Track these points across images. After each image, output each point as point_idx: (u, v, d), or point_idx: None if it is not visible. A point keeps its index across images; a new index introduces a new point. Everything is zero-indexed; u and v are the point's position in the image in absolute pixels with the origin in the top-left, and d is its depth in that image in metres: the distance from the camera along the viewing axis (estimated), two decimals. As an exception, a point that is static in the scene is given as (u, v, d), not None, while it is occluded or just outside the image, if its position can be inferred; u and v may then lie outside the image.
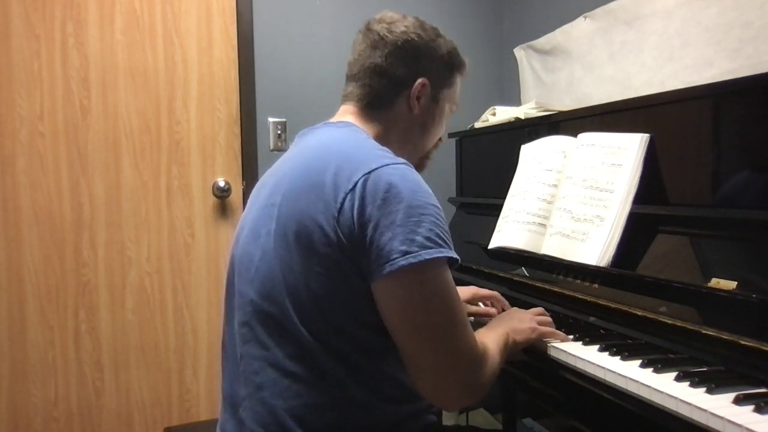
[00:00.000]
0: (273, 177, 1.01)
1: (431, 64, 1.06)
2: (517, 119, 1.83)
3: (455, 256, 0.88)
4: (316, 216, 0.88)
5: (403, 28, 1.04)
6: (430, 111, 1.08)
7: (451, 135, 2.17)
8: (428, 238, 0.85)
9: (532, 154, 1.55)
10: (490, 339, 0.99)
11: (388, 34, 1.04)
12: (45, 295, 2.01)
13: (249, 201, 1.07)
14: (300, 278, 0.89)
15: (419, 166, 1.12)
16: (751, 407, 0.77)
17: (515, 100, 2.40)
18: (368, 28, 1.06)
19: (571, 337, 1.12)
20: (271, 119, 2.27)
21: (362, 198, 0.85)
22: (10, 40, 1.95)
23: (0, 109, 1.94)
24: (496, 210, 1.60)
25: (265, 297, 0.92)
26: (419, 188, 0.88)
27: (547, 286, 1.37)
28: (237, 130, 2.23)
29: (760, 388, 0.83)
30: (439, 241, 0.86)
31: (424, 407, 1.02)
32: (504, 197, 1.59)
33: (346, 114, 1.06)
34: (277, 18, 2.27)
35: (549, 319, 1.16)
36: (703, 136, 1.16)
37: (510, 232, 1.49)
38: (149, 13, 2.09)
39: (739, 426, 0.72)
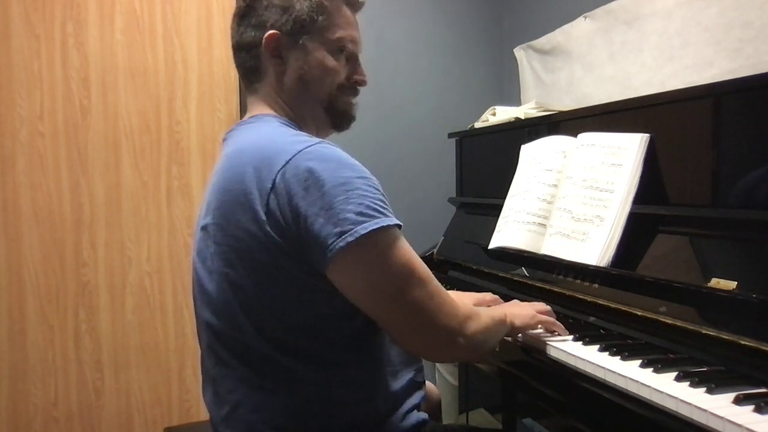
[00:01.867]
0: (207, 193, 0.99)
1: (276, 14, 0.98)
2: (517, 119, 1.83)
3: (392, 222, 0.86)
4: (248, 227, 0.86)
5: None
6: (300, 60, 0.99)
7: (451, 135, 2.17)
8: (359, 213, 0.83)
9: (532, 154, 1.55)
10: (483, 309, 1.00)
11: (236, 11, 1.02)
12: (45, 295, 2.01)
13: (196, 221, 1.04)
14: (250, 292, 0.88)
15: (338, 116, 1.05)
16: (751, 407, 0.77)
17: (515, 100, 2.40)
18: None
19: (571, 336, 1.12)
20: (271, 119, 2.26)
21: (285, 193, 0.84)
22: (10, 40, 1.95)
23: (0, 109, 1.94)
24: (496, 210, 1.60)
25: (221, 318, 0.92)
26: (339, 164, 0.86)
27: (547, 286, 1.37)
28: (237, 130, 2.22)
29: (760, 388, 0.83)
30: (372, 213, 0.84)
31: (407, 390, 1.02)
32: (504, 197, 1.59)
33: (252, 105, 1.04)
34: (277, 18, 2.27)
35: (548, 308, 1.16)
36: (703, 136, 1.16)
37: (510, 232, 1.49)
38: (149, 13, 2.09)
39: (739, 426, 0.72)
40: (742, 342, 0.90)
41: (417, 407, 1.04)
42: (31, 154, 1.98)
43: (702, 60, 1.58)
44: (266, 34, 0.98)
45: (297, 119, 1.02)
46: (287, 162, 0.85)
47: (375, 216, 0.84)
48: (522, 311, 1.11)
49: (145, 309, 2.12)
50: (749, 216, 1.02)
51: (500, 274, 1.56)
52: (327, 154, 0.87)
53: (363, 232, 0.82)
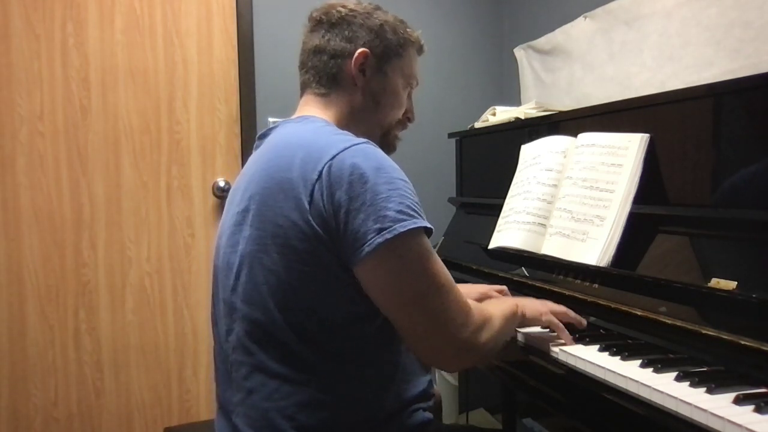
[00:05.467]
0: (243, 182, 1.01)
1: (369, 34, 1.06)
2: (517, 119, 1.83)
3: (428, 225, 0.90)
4: (289, 214, 0.89)
5: (339, 8, 1.07)
6: (380, 83, 1.08)
7: (451, 135, 2.17)
8: (399, 211, 0.86)
9: (532, 154, 1.55)
10: (494, 307, 1.02)
11: (323, 16, 1.07)
12: (45, 295, 2.01)
13: (225, 208, 1.07)
14: (282, 278, 0.90)
15: (386, 145, 1.12)
16: (751, 407, 0.77)
17: (515, 100, 2.40)
18: (309, 18, 1.10)
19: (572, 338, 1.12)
20: (271, 119, 2.27)
21: (329, 185, 0.87)
22: (10, 40, 1.95)
23: (0, 109, 1.94)
24: (496, 210, 1.60)
25: (250, 303, 0.93)
26: (382, 164, 0.89)
27: (547, 286, 1.37)
28: (237, 130, 2.23)
29: (760, 388, 0.83)
30: (411, 212, 0.87)
31: (418, 397, 1.03)
32: (504, 197, 1.59)
33: (305, 105, 1.08)
34: (277, 18, 2.27)
35: (562, 308, 1.14)
36: (703, 136, 1.16)
37: (510, 232, 1.49)
38: (149, 13, 2.09)
39: (739, 426, 0.72)
40: (742, 342, 0.90)
41: (423, 408, 1.05)
42: (31, 154, 1.98)
43: (702, 60, 1.58)
44: (359, 50, 1.04)
45: (346, 130, 1.04)
46: (334, 156, 0.88)
47: (413, 216, 0.88)
48: (534, 305, 1.12)
49: (145, 309, 2.12)
50: (749, 216, 1.02)
51: (500, 274, 1.55)
52: (372, 153, 0.91)
53: (402, 230, 0.85)
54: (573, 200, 1.33)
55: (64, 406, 2.04)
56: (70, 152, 2.02)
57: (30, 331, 1.99)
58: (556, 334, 1.11)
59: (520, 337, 1.18)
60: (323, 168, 0.88)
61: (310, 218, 0.87)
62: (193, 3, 2.15)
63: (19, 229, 1.98)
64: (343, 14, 1.06)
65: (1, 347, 1.96)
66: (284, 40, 2.28)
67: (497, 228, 1.56)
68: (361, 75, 1.05)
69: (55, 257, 2.01)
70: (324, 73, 1.06)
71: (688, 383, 0.85)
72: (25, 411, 1.99)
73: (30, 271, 1.99)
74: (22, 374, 1.98)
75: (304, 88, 1.10)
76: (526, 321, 1.09)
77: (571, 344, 1.09)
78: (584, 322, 1.14)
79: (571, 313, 1.14)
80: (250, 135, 2.24)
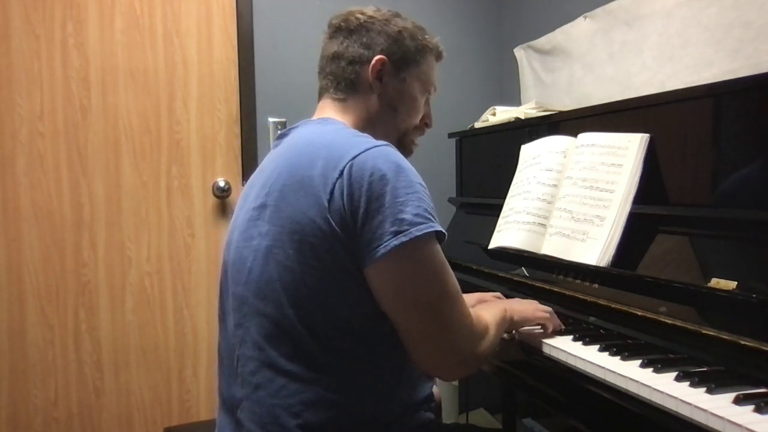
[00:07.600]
0: (260, 178, 1.02)
1: (387, 40, 1.07)
2: (517, 119, 1.83)
3: (443, 230, 0.91)
4: (308, 211, 0.89)
5: (357, 15, 1.08)
6: (397, 89, 1.08)
7: (451, 135, 2.17)
8: (417, 215, 0.87)
9: (532, 154, 1.55)
10: (487, 313, 1.03)
11: (343, 23, 1.08)
12: (45, 295, 2.01)
13: (237, 205, 1.08)
14: (297, 274, 0.90)
15: (402, 149, 1.12)
16: (751, 407, 0.77)
17: (515, 100, 2.40)
18: (329, 25, 1.11)
19: (570, 336, 1.13)
20: (271, 119, 2.27)
21: (350, 184, 0.88)
22: (10, 40, 1.95)
23: (0, 109, 1.94)
24: (496, 210, 1.60)
25: (262, 297, 0.93)
26: (402, 168, 0.90)
27: (547, 286, 1.37)
28: (237, 130, 2.23)
29: (760, 388, 0.83)
30: (428, 216, 0.89)
31: (421, 401, 1.03)
32: (504, 197, 1.59)
33: (323, 109, 1.10)
34: (277, 18, 2.27)
35: (549, 309, 1.18)
36: (703, 136, 1.16)
37: (510, 232, 1.49)
38: (149, 13, 2.10)
39: (739, 426, 0.72)
40: (742, 342, 0.90)
41: (426, 408, 1.06)
42: (31, 154, 1.98)
43: (702, 60, 1.58)
44: (377, 57, 1.05)
45: (361, 130, 1.05)
46: (355, 156, 0.89)
47: (430, 220, 0.89)
48: (521, 306, 1.15)
49: (145, 309, 2.12)
50: (749, 216, 1.02)
51: (500, 274, 1.56)
52: (392, 156, 0.92)
53: (418, 233, 0.86)
54: (573, 200, 1.33)
55: (64, 406, 2.04)
56: (70, 152, 2.02)
57: (30, 331, 1.99)
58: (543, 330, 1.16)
59: (519, 338, 1.18)
60: (344, 167, 0.88)
61: (329, 216, 0.88)
62: (193, 3, 2.15)
63: (19, 229, 1.98)
64: (361, 21, 1.07)
65: (1, 347, 1.96)
66: (284, 40, 2.28)
67: (497, 228, 1.56)
68: (378, 81, 1.06)
69: (55, 257, 2.01)
70: (342, 78, 1.07)
71: (688, 383, 0.85)
72: (25, 411, 1.99)
73: (30, 271, 1.99)
74: (22, 374, 1.98)
75: (322, 93, 1.11)
76: (514, 324, 1.12)
77: (552, 338, 1.13)
78: (562, 326, 1.18)
79: (555, 316, 1.17)
80: (250, 135, 2.24)
